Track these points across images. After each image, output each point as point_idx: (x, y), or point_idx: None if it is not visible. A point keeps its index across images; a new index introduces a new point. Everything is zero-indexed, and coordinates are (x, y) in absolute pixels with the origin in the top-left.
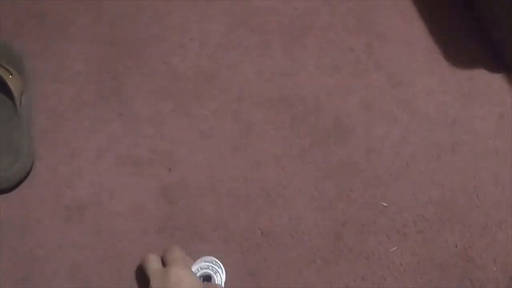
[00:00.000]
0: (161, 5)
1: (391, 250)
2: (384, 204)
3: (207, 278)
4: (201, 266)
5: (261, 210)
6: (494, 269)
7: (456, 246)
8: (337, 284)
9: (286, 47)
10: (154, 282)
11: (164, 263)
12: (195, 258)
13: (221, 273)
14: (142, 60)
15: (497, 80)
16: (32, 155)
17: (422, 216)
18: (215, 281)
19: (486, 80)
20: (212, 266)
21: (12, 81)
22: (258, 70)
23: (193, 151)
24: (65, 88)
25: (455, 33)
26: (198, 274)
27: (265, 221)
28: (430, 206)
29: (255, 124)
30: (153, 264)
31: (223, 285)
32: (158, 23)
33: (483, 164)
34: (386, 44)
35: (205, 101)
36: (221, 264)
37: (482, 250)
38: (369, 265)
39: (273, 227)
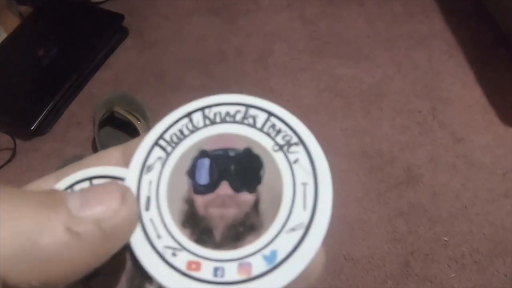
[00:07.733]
0: (260, 71)
1: (451, 276)
2: (446, 239)
3: None
4: None
5: (345, 240)
6: None
7: (506, 276)
8: None
9: (366, 109)
10: None
11: None
12: None
13: None
14: None
15: None
16: None
17: (477, 249)
18: None
19: None
20: None
21: (140, 127)
22: (343, 128)
23: None
24: None
25: (508, 95)
26: None
27: (348, 249)
28: (484, 241)
29: (341, 172)
30: None
31: None
32: (258, 86)
33: None
34: (448, 106)
35: None
36: None
37: None
38: None
39: (354, 254)
